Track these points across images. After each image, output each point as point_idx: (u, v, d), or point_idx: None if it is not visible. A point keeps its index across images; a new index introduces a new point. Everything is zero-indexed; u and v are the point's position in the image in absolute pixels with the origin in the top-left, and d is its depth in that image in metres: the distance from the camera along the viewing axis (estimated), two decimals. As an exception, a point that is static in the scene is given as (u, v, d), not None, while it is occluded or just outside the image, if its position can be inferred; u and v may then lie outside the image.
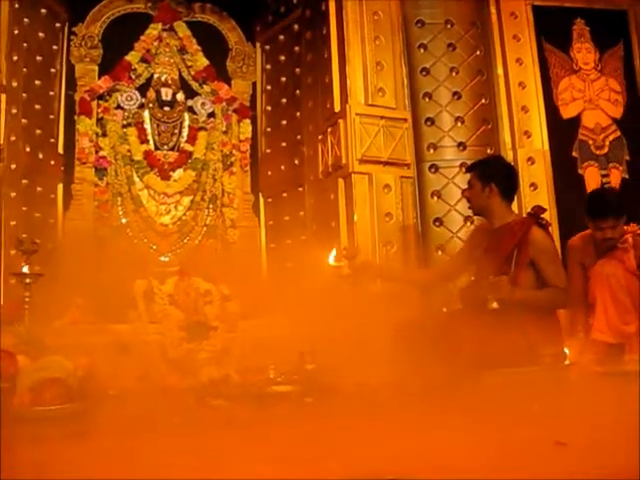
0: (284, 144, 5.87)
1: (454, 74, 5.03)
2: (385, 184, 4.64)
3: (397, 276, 4.10)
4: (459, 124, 4.96)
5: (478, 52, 5.12)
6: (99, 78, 5.62)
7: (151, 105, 5.70)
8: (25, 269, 3.87)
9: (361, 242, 4.47)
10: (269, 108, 6.07)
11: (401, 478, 1.25)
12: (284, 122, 5.90)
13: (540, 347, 3.15)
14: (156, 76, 5.76)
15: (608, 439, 1.72)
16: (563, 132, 5.16)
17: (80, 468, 1.68)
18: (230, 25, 6.10)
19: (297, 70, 5.77)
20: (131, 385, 3.17)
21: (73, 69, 5.66)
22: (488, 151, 4.92)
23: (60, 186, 5.47)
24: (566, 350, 3.30)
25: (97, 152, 5.50)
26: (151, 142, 5.65)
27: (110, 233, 5.37)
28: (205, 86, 5.86)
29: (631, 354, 3.63)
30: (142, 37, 5.75)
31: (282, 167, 5.82)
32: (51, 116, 5.51)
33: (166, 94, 5.71)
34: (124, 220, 5.46)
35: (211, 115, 5.86)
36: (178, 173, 5.66)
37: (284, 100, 5.93)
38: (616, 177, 5.20)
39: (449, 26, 5.09)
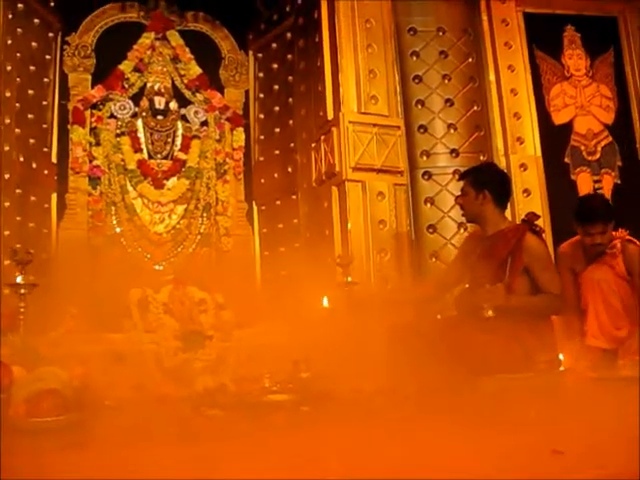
0: (277, 152, 5.89)
1: (446, 81, 5.05)
2: (379, 191, 4.66)
3: (399, 298, 4.07)
4: (452, 131, 4.98)
5: (470, 59, 5.15)
6: (92, 87, 5.64)
7: (144, 114, 5.71)
8: (19, 279, 3.87)
9: (355, 249, 4.48)
10: (262, 116, 6.09)
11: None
12: (277, 130, 5.92)
13: (535, 353, 3.15)
14: (149, 85, 5.78)
15: (605, 444, 1.73)
16: (555, 138, 5.20)
17: (78, 479, 1.67)
18: (223, 34, 6.12)
19: (290, 78, 5.79)
20: (127, 395, 3.16)
21: (66, 78, 5.67)
22: (481, 158, 4.95)
23: (54, 196, 5.47)
24: (561, 356, 3.31)
25: (91, 161, 5.51)
26: (145, 151, 5.66)
27: (104, 242, 5.37)
28: (198, 94, 5.88)
29: (624, 359, 3.64)
30: (135, 46, 5.77)
31: (275, 175, 5.84)
32: (44, 125, 5.51)
33: (159, 103, 5.72)
34: (118, 229, 5.47)
35: (204, 123, 5.88)
36: (172, 182, 5.67)
37: (277, 108, 5.95)
38: (608, 183, 5.23)
39: (441, 33, 5.12)
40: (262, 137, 6.05)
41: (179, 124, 5.79)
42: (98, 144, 5.56)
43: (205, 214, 5.72)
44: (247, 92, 6.13)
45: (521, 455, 1.68)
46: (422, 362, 3.07)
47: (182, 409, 2.96)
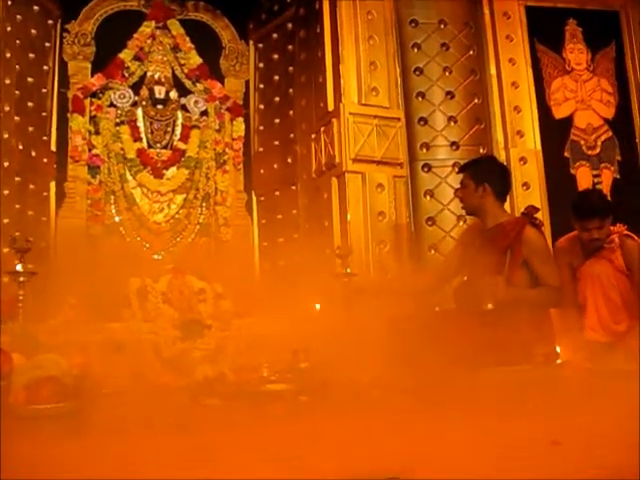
0: (277, 143, 5.88)
1: (447, 74, 5.05)
2: (378, 183, 4.66)
3: (398, 288, 4.06)
4: (452, 124, 4.98)
5: (471, 52, 5.14)
6: (92, 76, 5.62)
7: (144, 103, 5.70)
8: (19, 267, 3.87)
9: (354, 241, 4.49)
10: (262, 107, 6.08)
11: (401, 477, 1.26)
12: (277, 121, 5.91)
13: (533, 346, 3.16)
14: (149, 74, 5.76)
15: (603, 437, 1.73)
16: (555, 132, 5.19)
17: (76, 466, 1.68)
18: (223, 23, 6.10)
19: (290, 69, 5.79)
20: (125, 384, 3.16)
21: (66, 67, 5.65)
22: (481, 151, 4.95)
23: (53, 184, 5.47)
24: (558, 349, 3.32)
25: (90, 150, 5.50)
26: (144, 140, 5.66)
27: (103, 231, 5.37)
28: (198, 84, 5.87)
29: (624, 352, 3.65)
30: (135, 35, 5.75)
31: (275, 166, 5.84)
32: (44, 114, 5.50)
33: (159, 92, 5.71)
34: (117, 218, 5.46)
35: (204, 113, 5.87)
36: (171, 171, 5.66)
37: (277, 99, 5.94)
38: (607, 177, 5.23)
39: (442, 26, 5.11)
40: (262, 128, 6.05)
41: (179, 114, 5.78)
42: (97, 133, 5.55)
43: (204, 204, 5.72)
44: (247, 82, 6.12)
45: (519, 449, 1.68)
46: (421, 354, 3.07)
47: (181, 398, 2.97)
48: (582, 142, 5.24)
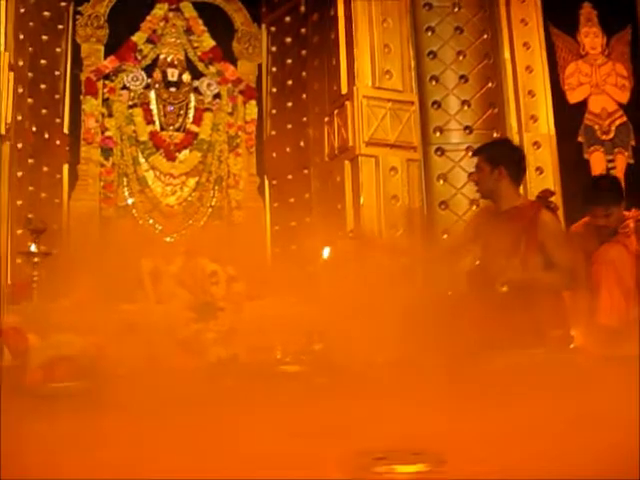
0: (289, 126, 5.86)
1: (461, 57, 5.03)
2: (392, 167, 4.65)
3: (403, 251, 4.02)
4: (465, 107, 4.97)
5: (485, 35, 5.11)
6: (105, 58, 5.60)
7: (157, 86, 5.69)
8: (33, 248, 3.89)
9: (367, 225, 4.49)
10: (274, 90, 6.06)
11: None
12: (289, 104, 5.89)
13: (547, 329, 3.16)
14: (162, 57, 5.75)
15: (614, 422, 1.73)
16: (569, 117, 5.16)
17: (92, 444, 1.68)
18: (236, 6, 6.07)
19: (303, 52, 5.76)
20: (140, 365, 3.17)
21: (79, 49, 5.63)
22: (494, 135, 4.93)
23: (66, 166, 5.46)
24: (572, 333, 3.32)
25: (103, 132, 5.50)
26: (157, 123, 5.65)
27: (115, 214, 5.38)
28: (211, 67, 5.85)
29: (636, 338, 3.64)
30: (148, 17, 5.73)
31: (287, 149, 5.83)
32: (56, 96, 5.49)
33: (172, 75, 5.69)
34: (130, 201, 5.47)
35: (217, 96, 5.85)
36: (184, 154, 5.66)
37: (290, 82, 5.91)
38: (621, 162, 5.20)
39: (457, 9, 5.08)
40: (274, 111, 6.03)
41: (192, 96, 5.76)
42: (110, 115, 5.55)
43: (217, 187, 5.72)
44: (260, 66, 6.09)
45: (530, 432, 1.68)
46: (435, 337, 3.08)
47: (195, 379, 2.98)
48: (596, 127, 5.21)
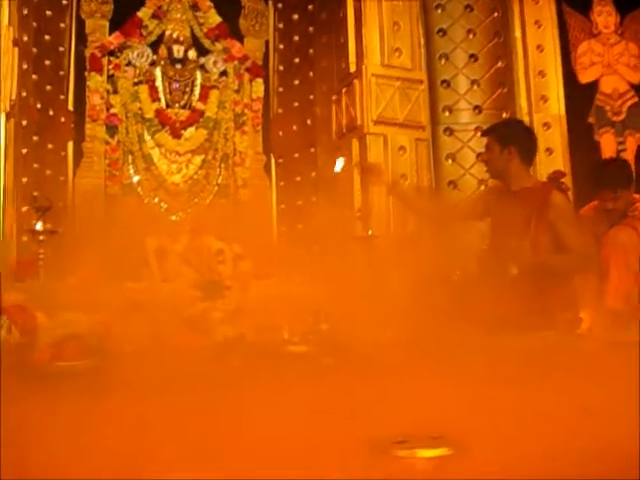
0: (296, 104, 5.81)
1: (471, 36, 4.97)
2: (400, 146, 4.61)
3: (409, 197, 3.91)
4: (475, 87, 4.92)
5: (496, 14, 5.04)
6: (110, 34, 5.54)
7: (162, 62, 5.63)
8: (39, 226, 3.86)
9: (375, 203, 4.45)
10: (281, 68, 6.00)
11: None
12: (296, 82, 5.84)
13: (557, 312, 3.14)
14: (168, 33, 5.67)
15: (618, 409, 1.70)
16: (580, 97, 5.11)
17: (100, 423, 1.67)
18: (242, -18, 5.99)
19: (310, 29, 5.70)
20: (146, 343, 3.16)
21: (83, 25, 5.56)
22: (504, 115, 4.89)
23: (70, 144, 5.42)
24: (581, 316, 3.29)
25: (108, 109, 5.45)
26: (162, 100, 5.60)
27: (121, 191, 5.35)
28: (217, 44, 5.78)
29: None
30: (154, -7, 5.66)
31: (294, 127, 5.78)
32: (61, 72, 5.43)
33: (178, 51, 5.62)
34: (135, 178, 5.43)
35: (223, 73, 5.79)
36: (190, 132, 5.61)
37: (297, 60, 5.85)
38: (632, 144, 5.14)
39: (467, -14, 5.00)
40: (281, 89, 5.97)
41: (198, 73, 5.70)
42: (116, 92, 5.49)
43: (223, 165, 5.68)
44: (267, 43, 6.02)
45: (539, 417, 1.66)
46: (443, 319, 3.05)
47: (202, 358, 2.96)
48: (607, 108, 5.15)
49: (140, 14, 5.60)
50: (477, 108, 4.88)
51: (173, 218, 5.38)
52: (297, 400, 2.01)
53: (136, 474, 1.14)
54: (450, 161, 4.81)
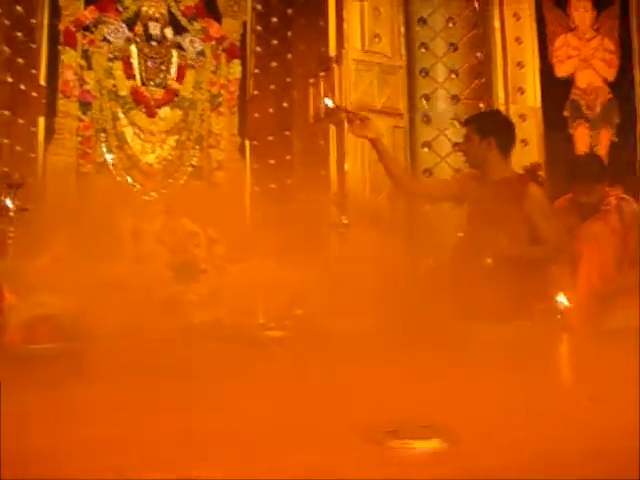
0: (273, 87, 5.76)
1: (451, 25, 4.96)
2: (377, 132, 4.59)
3: (390, 157, 3.89)
4: (453, 76, 4.92)
5: (476, 4, 5.04)
6: (85, 8, 5.41)
7: (138, 40, 5.52)
8: (8, 202, 3.78)
9: (351, 189, 4.45)
10: (259, 49, 5.93)
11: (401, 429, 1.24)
12: (274, 64, 5.78)
13: (532, 302, 3.18)
14: (144, 9, 5.55)
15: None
16: (556, 90, 5.15)
17: (79, 410, 1.64)
18: (221, -40, 5.90)
19: (289, 11, 5.64)
20: (120, 325, 3.12)
21: (57, -3, 5.43)
22: (481, 105, 4.90)
23: (41, 119, 5.29)
24: (557, 305, 3.34)
25: (81, 86, 5.34)
26: (137, 78, 5.49)
27: (93, 170, 5.25)
28: (195, 23, 5.69)
29: (616, 312, 3.69)
30: (130, -33, 5.54)
31: (270, 110, 5.73)
32: (33, 46, 5.29)
33: (154, 29, 5.52)
34: (109, 157, 5.33)
35: (200, 54, 5.70)
36: (164, 111, 5.52)
37: (275, 42, 5.79)
38: (605, 138, 5.21)
39: (449, -24, 5.00)
40: (257, 71, 5.90)
41: (174, 52, 5.60)
42: (90, 68, 5.37)
43: (197, 146, 5.61)
44: (245, 24, 5.95)
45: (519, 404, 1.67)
46: (418, 307, 3.07)
47: (177, 341, 2.94)
48: (582, 102, 5.20)
49: (116, -11, 5.49)
50: (455, 97, 4.90)
51: (146, 198, 5.30)
52: (277, 387, 2.00)
53: (115, 464, 1.12)
54: (426, 149, 4.83)
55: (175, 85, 5.56)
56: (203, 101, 5.65)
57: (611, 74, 5.32)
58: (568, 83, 5.21)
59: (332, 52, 4.70)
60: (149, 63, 5.53)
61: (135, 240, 4.02)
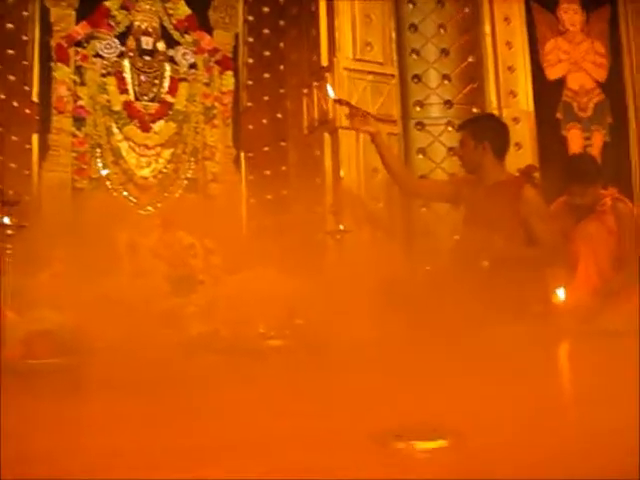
0: (266, 98, 5.77)
1: (442, 31, 4.98)
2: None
3: (388, 152, 3.94)
4: (446, 82, 4.94)
5: (466, 9, 5.06)
6: (76, 24, 5.42)
7: (131, 54, 5.52)
8: (6, 220, 3.78)
9: (347, 197, 4.46)
10: (251, 60, 5.94)
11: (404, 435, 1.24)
12: (267, 75, 5.80)
13: (528, 304, 3.19)
14: (136, 24, 5.56)
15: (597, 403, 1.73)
16: (548, 93, 5.17)
17: (76, 423, 1.64)
18: (212, -27, 5.92)
19: (281, 22, 5.67)
20: (118, 339, 3.12)
21: (48, 13, 5.42)
22: (474, 110, 4.91)
23: (35, 136, 5.28)
24: (554, 306, 3.35)
25: (75, 102, 5.34)
26: (131, 92, 5.49)
27: (89, 185, 5.25)
28: (187, 36, 5.70)
29: (613, 313, 3.69)
30: (122, -18, 5.56)
31: (264, 121, 5.74)
32: (25, 62, 5.30)
33: (147, 43, 5.52)
34: (104, 172, 5.33)
35: (193, 66, 5.70)
36: (159, 125, 5.52)
37: (267, 53, 5.81)
38: (598, 140, 5.23)
39: (439, -19, 5.02)
40: (250, 82, 5.91)
41: (167, 66, 5.61)
42: (83, 84, 5.37)
43: (192, 159, 5.60)
44: (237, 35, 5.96)
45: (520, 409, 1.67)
46: (416, 313, 3.07)
47: (176, 354, 2.94)
48: (574, 104, 5.22)
49: (108, 4, 5.49)
50: (448, 103, 4.91)
51: (142, 212, 5.30)
52: (278, 396, 2.00)
53: (116, 474, 1.12)
54: (421, 155, 4.84)
55: (169, 98, 5.56)
56: (197, 114, 5.65)
57: (602, 75, 5.35)
58: (560, 85, 5.23)
59: (324, 62, 4.71)
60: (142, 77, 5.53)
61: (132, 254, 4.02)
